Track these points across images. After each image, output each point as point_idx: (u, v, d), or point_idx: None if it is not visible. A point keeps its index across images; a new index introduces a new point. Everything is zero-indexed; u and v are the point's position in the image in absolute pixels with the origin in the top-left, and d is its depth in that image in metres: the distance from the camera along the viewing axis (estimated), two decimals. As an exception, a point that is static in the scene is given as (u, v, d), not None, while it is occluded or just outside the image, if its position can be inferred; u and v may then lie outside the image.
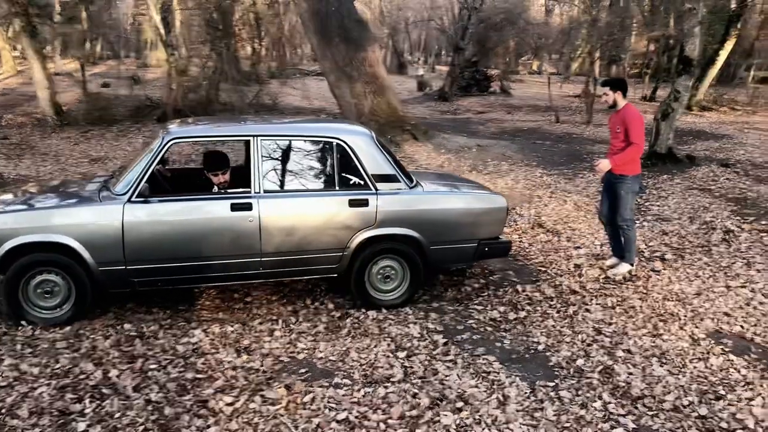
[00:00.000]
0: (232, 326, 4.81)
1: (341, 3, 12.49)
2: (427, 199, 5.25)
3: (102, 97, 17.06)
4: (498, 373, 4.18)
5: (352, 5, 12.95)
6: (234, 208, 4.78)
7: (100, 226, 4.61)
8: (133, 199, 4.66)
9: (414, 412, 3.68)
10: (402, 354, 4.40)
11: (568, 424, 3.60)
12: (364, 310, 5.11)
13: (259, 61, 26.15)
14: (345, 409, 3.71)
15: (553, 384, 4.05)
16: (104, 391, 3.82)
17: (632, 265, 5.87)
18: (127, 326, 4.70)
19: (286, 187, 4.99)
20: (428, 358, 4.37)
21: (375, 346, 4.52)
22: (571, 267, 6.08)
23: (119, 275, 4.70)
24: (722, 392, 3.96)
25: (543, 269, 6.05)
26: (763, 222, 7.50)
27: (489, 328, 4.85)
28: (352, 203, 4.98)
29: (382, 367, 4.22)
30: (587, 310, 5.13)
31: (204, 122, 5.81)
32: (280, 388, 3.94)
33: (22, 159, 11.49)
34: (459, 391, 3.92)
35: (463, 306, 5.23)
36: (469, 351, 4.48)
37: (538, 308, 5.19)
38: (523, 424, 3.59)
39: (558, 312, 5.12)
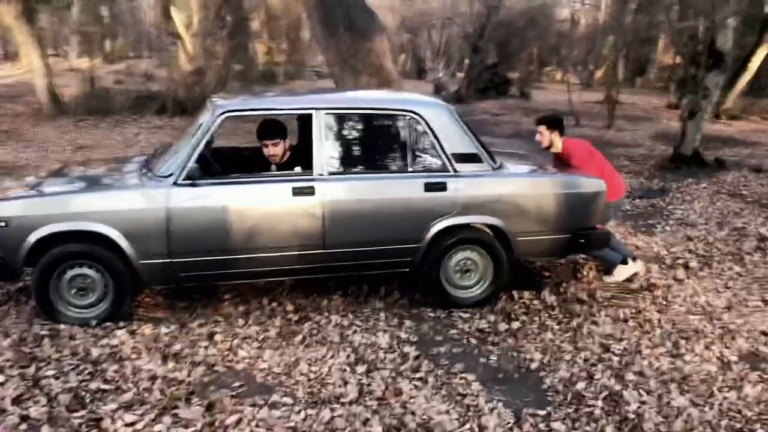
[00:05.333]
0: (168, 327, 4.04)
1: (348, -10, 11.74)
2: (514, 183, 4.52)
3: (104, 88, 16.48)
4: (476, 396, 3.36)
5: (360, -7, 12.19)
6: (295, 192, 4.08)
7: (141, 212, 3.92)
8: (179, 181, 3.96)
9: (361, 444, 2.87)
10: (361, 368, 3.59)
11: (557, 469, 2.77)
12: (327, 314, 4.31)
13: (273, 60, 25.65)
14: (275, 437, 2.91)
15: (545, 413, 3.21)
16: (-24, 402, 3.06)
17: (626, 263, 5.01)
18: (37, 327, 3.94)
19: (352, 169, 4.29)
20: (393, 374, 3.55)
21: (331, 357, 3.72)
22: (579, 274, 5.22)
23: (163, 269, 4.02)
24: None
25: (546, 274, 5.20)
26: (804, 230, 6.59)
27: (473, 341, 4.02)
28: (429, 187, 4.25)
29: (333, 384, 3.42)
30: (594, 323, 4.28)
31: (258, 94, 5.06)
32: (199, 405, 3.15)
33: (5, 145, 10.86)
34: (423, 417, 3.11)
35: (446, 313, 4.40)
36: (445, 367, 3.66)
37: (536, 318, 4.35)
38: (500, 466, 2.77)
39: (559, 324, 4.28)
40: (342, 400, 3.26)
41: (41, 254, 3.90)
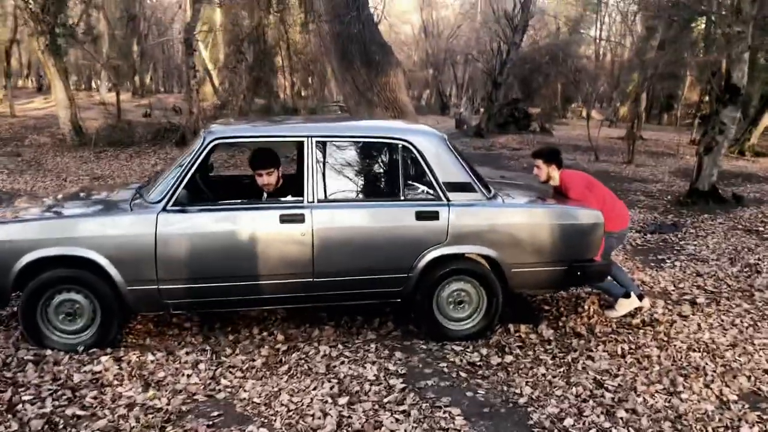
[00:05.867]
0: (154, 354, 4.00)
1: (364, 26, 11.87)
2: (509, 213, 4.41)
3: (126, 120, 16.78)
4: (459, 430, 3.25)
5: (375, 28, 12.34)
6: (283, 219, 4.03)
7: (129, 238, 3.91)
8: (168, 207, 3.96)
9: (331, 478, 2.78)
10: (343, 400, 3.51)
11: (534, 508, 2.65)
12: (316, 345, 4.24)
13: (297, 94, 25.99)
14: (245, 468, 2.84)
15: (527, 450, 3.10)
16: (-52, 426, 3.04)
17: (628, 296, 4.90)
18: (23, 352, 3.93)
19: (343, 197, 4.26)
20: (375, 406, 3.46)
21: (314, 389, 3.64)
22: (580, 308, 5.09)
23: (150, 296, 4.00)
24: (754, 475, 2.96)
25: (546, 307, 5.09)
26: (820, 267, 6.38)
27: (463, 374, 3.91)
28: (420, 216, 4.18)
29: (312, 416, 3.34)
30: (590, 358, 4.16)
31: (252, 121, 5.11)
32: (173, 434, 3.10)
33: (23, 174, 11.07)
34: (400, 452, 3.01)
35: (439, 346, 4.31)
36: (431, 401, 3.56)
37: (530, 353, 4.24)
38: (473, 504, 2.66)
39: (554, 358, 4.16)
40: (318, 431, 3.18)
41: (30, 279, 3.90)
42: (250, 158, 4.47)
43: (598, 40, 38.81)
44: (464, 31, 38.81)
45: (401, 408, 3.46)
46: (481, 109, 34.94)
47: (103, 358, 3.86)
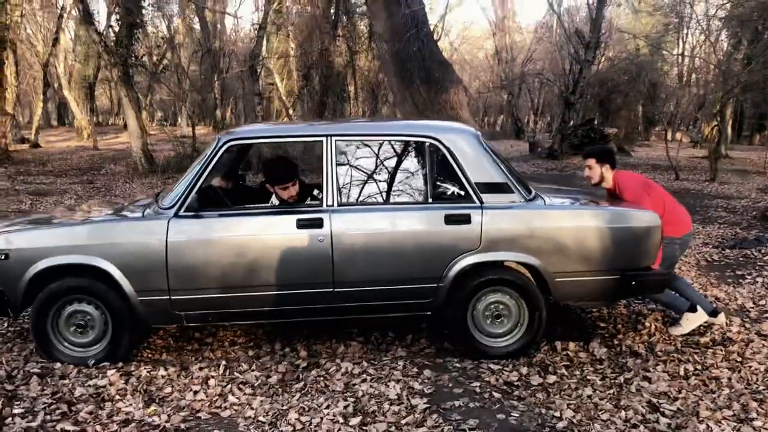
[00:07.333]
0: (167, 369, 3.76)
1: (423, 44, 11.64)
2: (551, 216, 3.96)
3: (196, 149, 17.08)
4: (481, 457, 2.83)
5: (435, 46, 12.09)
6: (301, 224, 3.76)
7: (138, 246, 3.71)
8: (180, 213, 3.75)
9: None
10: (356, 420, 3.14)
11: None
12: (338, 362, 3.90)
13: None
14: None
15: (559, 482, 2.65)
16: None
17: (694, 310, 4.35)
18: (32, 365, 3.76)
19: (365, 200, 3.94)
20: (391, 428, 3.08)
21: (327, 408, 3.29)
22: (640, 325, 4.55)
23: (162, 307, 3.77)
24: None
25: (601, 324, 4.57)
26: None
27: (497, 395, 3.47)
28: (450, 219, 3.82)
29: (318, 437, 2.99)
30: (646, 379, 3.64)
31: (270, 123, 4.92)
32: (160, 453, 2.81)
33: (89, 198, 11.30)
34: (408, 480, 2.62)
35: (474, 364, 3.89)
36: (455, 423, 3.14)
37: (577, 372, 3.75)
38: None
39: (603, 379, 3.66)
40: (321, 454, 2.83)
41: (41, 289, 3.75)
42: (269, 174, 4.19)
43: (680, 58, 37.23)
44: (539, 55, 38.09)
45: (420, 430, 3.06)
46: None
47: (110, 372, 3.64)
